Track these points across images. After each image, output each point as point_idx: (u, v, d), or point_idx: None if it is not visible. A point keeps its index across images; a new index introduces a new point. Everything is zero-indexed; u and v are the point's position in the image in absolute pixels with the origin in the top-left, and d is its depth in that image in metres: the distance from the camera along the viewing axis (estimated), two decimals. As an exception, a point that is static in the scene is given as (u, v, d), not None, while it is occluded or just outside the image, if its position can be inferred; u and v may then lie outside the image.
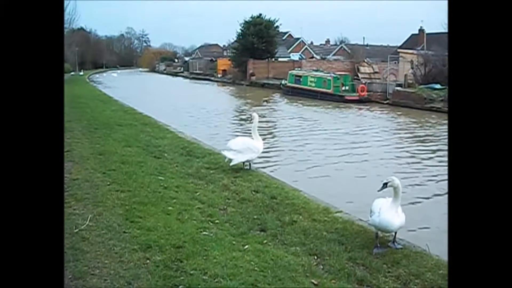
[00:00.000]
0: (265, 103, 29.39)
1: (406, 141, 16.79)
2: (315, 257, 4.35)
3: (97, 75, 67.14)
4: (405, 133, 18.66)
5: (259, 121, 8.23)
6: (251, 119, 7.95)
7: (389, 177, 4.61)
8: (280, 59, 50.19)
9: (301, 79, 33.44)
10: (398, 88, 27.71)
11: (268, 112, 24.62)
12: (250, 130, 8.14)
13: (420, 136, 17.61)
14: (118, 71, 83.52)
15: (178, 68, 77.48)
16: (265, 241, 4.66)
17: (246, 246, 4.44)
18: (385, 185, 4.56)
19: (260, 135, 8.10)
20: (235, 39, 50.27)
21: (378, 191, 4.61)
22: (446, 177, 10.11)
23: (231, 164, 7.59)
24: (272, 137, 16.52)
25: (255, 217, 5.37)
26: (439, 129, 18.80)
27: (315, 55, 59.40)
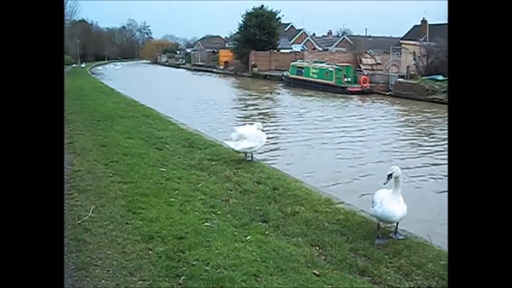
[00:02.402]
0: (268, 94, 29.34)
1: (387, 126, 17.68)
2: (317, 248, 4.37)
3: (99, 67, 67.00)
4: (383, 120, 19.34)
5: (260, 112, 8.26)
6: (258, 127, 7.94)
7: (392, 167, 4.59)
8: (282, 51, 49.98)
9: (303, 71, 33.33)
10: (401, 79, 27.62)
11: (265, 102, 24.73)
12: (249, 121, 8.16)
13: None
14: (119, 63, 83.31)
15: (180, 60, 77.29)
16: (267, 232, 4.67)
17: (248, 237, 4.45)
18: (390, 176, 4.53)
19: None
20: (237, 30, 50.12)
21: (384, 183, 4.59)
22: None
23: (232, 147, 7.65)
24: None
25: (257, 208, 5.38)
26: (425, 115, 19.86)
27: (317, 47, 59.25)
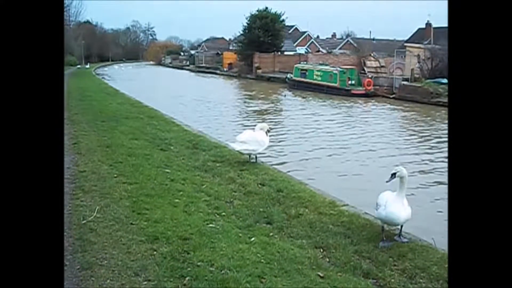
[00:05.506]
0: (271, 96, 29.37)
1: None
2: (321, 250, 4.37)
3: (104, 68, 67.27)
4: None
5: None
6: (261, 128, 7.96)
7: (397, 167, 4.59)
8: (286, 53, 50.02)
9: (306, 73, 33.31)
10: (405, 82, 27.54)
11: (268, 104, 24.79)
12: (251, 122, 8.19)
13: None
14: (124, 64, 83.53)
15: (184, 61, 77.39)
16: (271, 234, 4.68)
17: (253, 239, 4.46)
18: (393, 175, 4.52)
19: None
20: (241, 32, 50.12)
21: (387, 182, 4.57)
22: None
23: (236, 148, 7.70)
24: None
25: (261, 210, 5.38)
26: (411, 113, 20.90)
27: (321, 49, 59.16)
